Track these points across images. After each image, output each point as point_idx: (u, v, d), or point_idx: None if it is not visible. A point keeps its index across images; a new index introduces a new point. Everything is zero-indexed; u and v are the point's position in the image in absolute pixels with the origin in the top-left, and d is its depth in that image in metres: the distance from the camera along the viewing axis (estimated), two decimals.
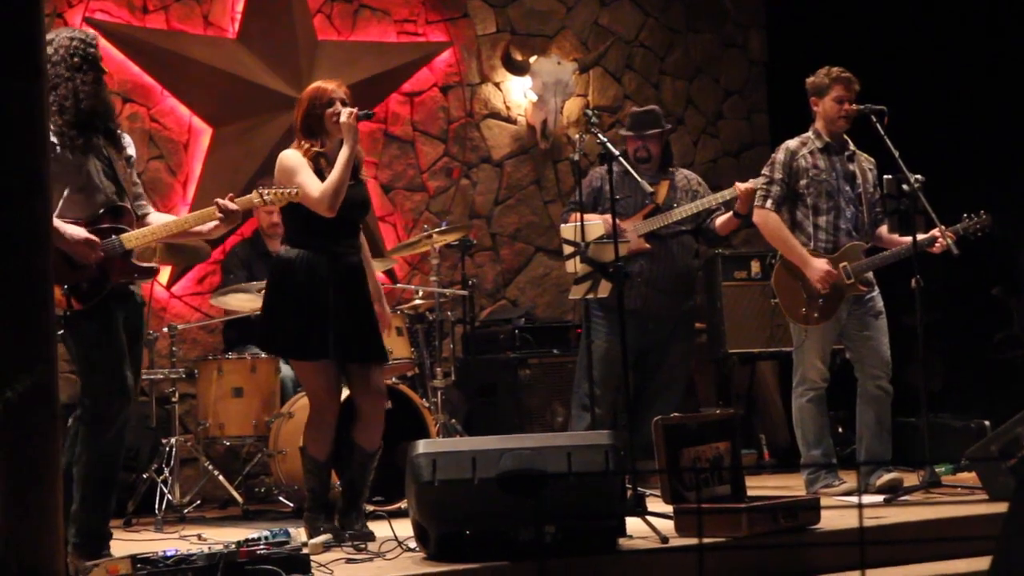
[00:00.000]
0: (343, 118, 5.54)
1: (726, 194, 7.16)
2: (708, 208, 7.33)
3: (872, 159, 6.88)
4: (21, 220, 3.16)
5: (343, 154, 5.52)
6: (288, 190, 5.37)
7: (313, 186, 5.49)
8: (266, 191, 5.35)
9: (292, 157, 5.61)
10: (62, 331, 5.05)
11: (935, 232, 6.56)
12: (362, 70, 8.50)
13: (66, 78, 5.11)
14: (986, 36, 8.62)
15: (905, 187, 6.45)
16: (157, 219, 5.40)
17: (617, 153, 6.12)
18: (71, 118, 5.09)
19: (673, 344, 7.45)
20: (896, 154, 6.51)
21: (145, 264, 5.39)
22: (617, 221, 7.12)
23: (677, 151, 9.66)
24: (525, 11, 9.33)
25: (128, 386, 5.16)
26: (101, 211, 5.16)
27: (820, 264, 6.62)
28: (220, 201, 5.28)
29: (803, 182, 6.74)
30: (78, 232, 5.03)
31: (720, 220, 7.32)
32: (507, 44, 9.12)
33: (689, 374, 7.90)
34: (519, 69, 9.11)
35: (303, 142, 5.66)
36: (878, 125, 6.57)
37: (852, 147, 6.85)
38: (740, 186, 7.02)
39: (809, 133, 6.83)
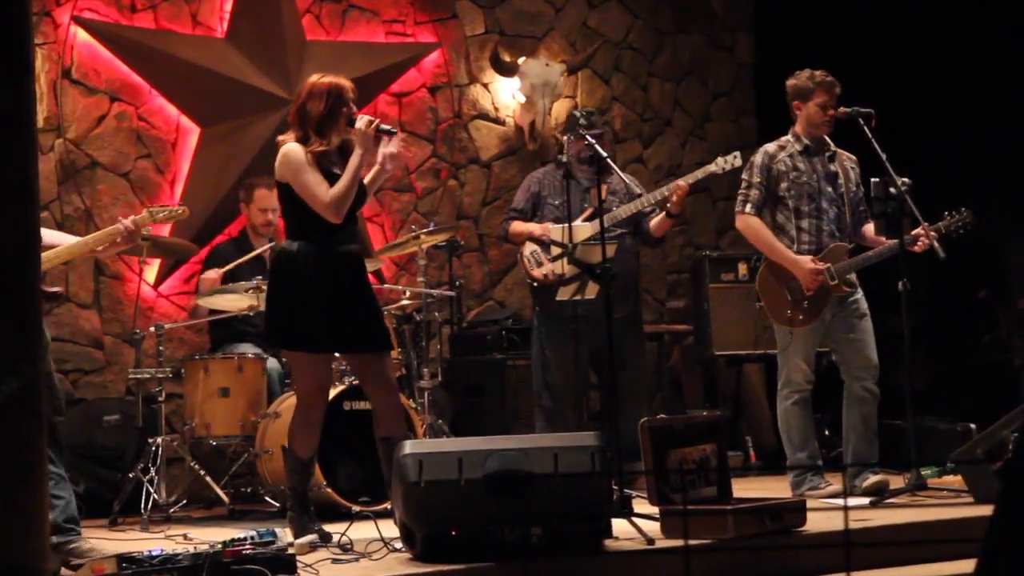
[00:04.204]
0: (359, 125, 5.49)
1: (664, 191, 7.11)
2: (644, 209, 7.28)
3: (854, 157, 6.88)
4: (8, 223, 3.15)
5: (353, 161, 5.47)
6: (178, 209, 5.57)
7: (320, 190, 5.46)
8: (156, 209, 5.73)
9: (297, 154, 5.52)
10: None
11: (918, 231, 6.56)
12: (350, 70, 8.43)
13: None
14: (974, 36, 8.64)
15: (892, 190, 6.45)
16: (52, 237, 5.38)
17: (605, 154, 6.12)
18: None
19: (625, 345, 7.35)
20: (883, 156, 6.51)
21: (50, 289, 5.34)
22: (558, 227, 7.22)
23: (665, 152, 9.72)
24: (514, 12, 9.34)
25: None
26: None
27: (807, 263, 6.63)
28: (124, 222, 5.48)
29: (784, 185, 6.75)
30: None
31: (654, 221, 7.30)
32: (495, 45, 9.12)
33: (648, 371, 7.82)
34: (507, 70, 9.12)
35: (313, 139, 5.56)
36: (865, 128, 6.58)
37: (832, 147, 6.85)
38: (680, 183, 7.04)
39: (788, 136, 6.84)
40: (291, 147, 5.56)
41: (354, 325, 5.57)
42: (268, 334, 5.88)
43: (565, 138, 6.69)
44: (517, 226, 7.42)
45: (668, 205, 7.05)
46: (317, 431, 5.65)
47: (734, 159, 7.19)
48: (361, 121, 5.50)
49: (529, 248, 7.34)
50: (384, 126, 5.59)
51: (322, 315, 5.50)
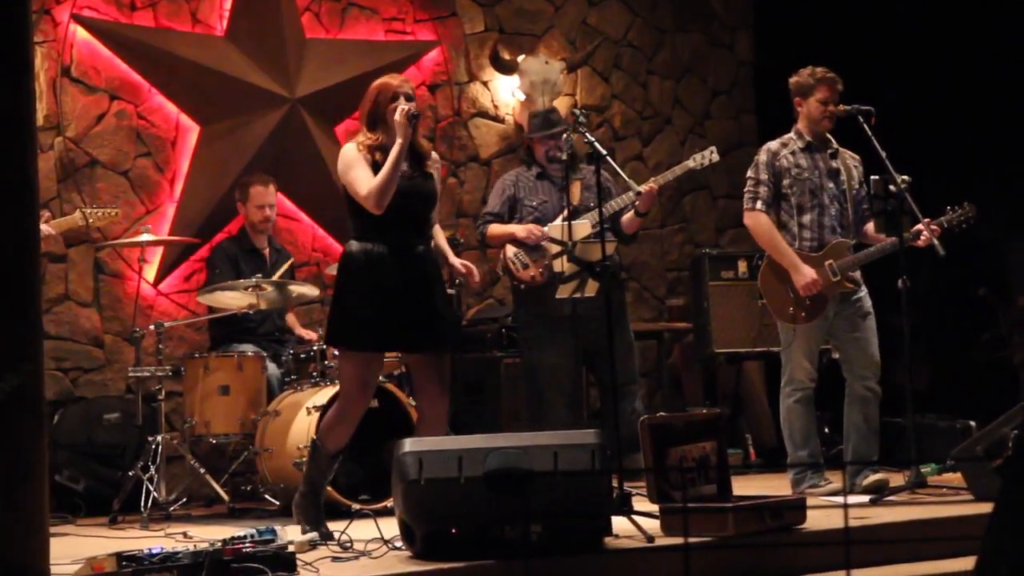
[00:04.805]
0: (396, 116, 5.56)
1: (636, 191, 7.08)
2: (621, 207, 7.28)
3: (857, 156, 6.88)
4: (8, 220, 3.15)
5: (393, 152, 5.52)
6: (111, 210, 5.59)
7: (363, 182, 5.51)
8: (89, 211, 5.92)
9: (349, 152, 5.63)
10: None
11: (919, 226, 6.56)
12: (350, 68, 8.49)
13: None
14: (973, 35, 8.64)
15: (892, 188, 6.45)
16: None
17: (604, 152, 6.11)
18: None
19: (614, 339, 7.33)
20: (883, 154, 6.51)
21: None
22: (538, 228, 7.20)
23: (664, 150, 9.71)
24: (513, 10, 9.33)
25: None
26: None
27: (808, 272, 6.61)
28: (42, 227, 5.66)
29: (786, 182, 6.75)
30: None
31: (624, 218, 7.30)
32: (495, 43, 9.12)
33: (636, 361, 7.78)
34: (507, 68, 9.11)
35: (366, 134, 5.67)
36: (865, 126, 6.57)
37: (835, 144, 6.85)
38: (651, 184, 7.04)
39: (791, 134, 6.84)
40: (345, 147, 5.69)
41: (416, 325, 5.57)
42: (326, 331, 5.88)
43: (567, 136, 6.67)
44: (495, 228, 7.42)
45: (637, 204, 7.05)
46: (352, 429, 5.64)
47: (711, 155, 7.25)
48: (398, 113, 5.57)
49: (511, 250, 7.34)
50: (412, 112, 5.63)
51: (379, 314, 5.51)
